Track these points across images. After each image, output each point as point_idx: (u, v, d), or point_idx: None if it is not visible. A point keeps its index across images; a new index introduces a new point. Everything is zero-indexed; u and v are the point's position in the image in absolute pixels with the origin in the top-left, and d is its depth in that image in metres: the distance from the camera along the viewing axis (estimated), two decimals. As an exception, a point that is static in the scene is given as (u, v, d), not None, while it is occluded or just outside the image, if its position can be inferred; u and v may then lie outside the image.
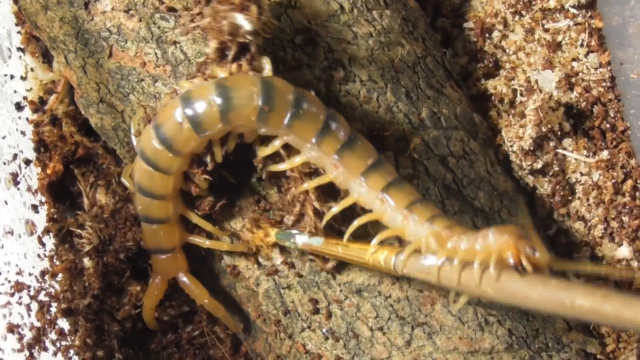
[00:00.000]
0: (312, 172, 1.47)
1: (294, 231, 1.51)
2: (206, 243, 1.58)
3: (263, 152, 1.46)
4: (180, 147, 1.43)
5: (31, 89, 1.86)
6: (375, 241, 1.42)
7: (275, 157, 1.48)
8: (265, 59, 1.43)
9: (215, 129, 1.40)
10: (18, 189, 1.81)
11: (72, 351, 1.71)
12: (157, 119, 1.44)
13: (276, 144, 1.44)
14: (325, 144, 1.40)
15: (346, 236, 1.44)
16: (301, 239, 1.49)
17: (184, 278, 1.62)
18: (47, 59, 1.87)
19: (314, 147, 1.41)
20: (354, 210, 1.46)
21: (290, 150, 1.46)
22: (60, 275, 1.73)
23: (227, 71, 1.42)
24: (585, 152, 1.80)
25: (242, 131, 1.44)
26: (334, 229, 1.49)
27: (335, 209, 1.45)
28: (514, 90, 1.85)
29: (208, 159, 1.47)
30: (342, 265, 1.53)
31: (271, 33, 1.42)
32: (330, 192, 1.48)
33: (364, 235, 1.45)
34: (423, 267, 1.36)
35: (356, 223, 1.43)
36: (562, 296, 1.17)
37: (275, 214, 1.54)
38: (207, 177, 1.49)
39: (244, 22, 1.37)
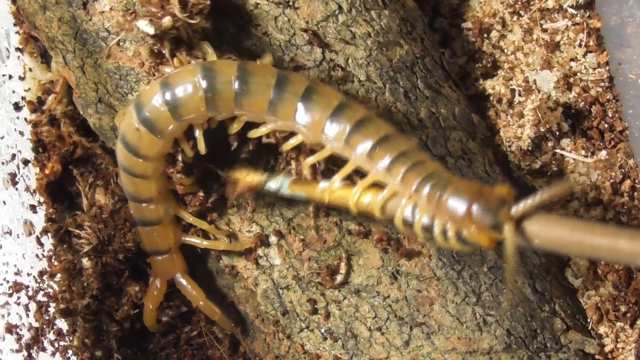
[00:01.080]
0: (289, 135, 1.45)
1: (283, 176, 1.48)
2: (203, 243, 1.58)
3: (231, 130, 1.44)
4: (145, 152, 1.43)
5: (29, 89, 1.86)
6: (357, 188, 1.39)
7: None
8: (204, 44, 1.42)
9: (170, 128, 1.40)
10: (16, 189, 1.81)
11: (70, 351, 1.71)
12: (120, 129, 1.45)
13: (240, 120, 1.41)
14: (281, 110, 1.36)
15: (333, 183, 1.41)
16: (286, 180, 1.47)
17: (180, 279, 1.62)
18: (45, 59, 1.87)
19: (271, 119, 1.38)
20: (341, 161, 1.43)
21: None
22: (58, 275, 1.73)
23: (172, 68, 1.42)
24: (583, 152, 1.80)
25: (199, 122, 1.42)
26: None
27: (312, 158, 1.42)
28: (512, 90, 1.85)
29: (179, 157, 1.48)
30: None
31: (204, 15, 1.41)
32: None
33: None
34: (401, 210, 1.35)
35: (336, 177, 1.41)
36: (581, 237, 1.18)
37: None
38: (181, 175, 1.49)
39: (148, 29, 1.38)
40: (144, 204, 1.51)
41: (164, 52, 1.42)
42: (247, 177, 1.48)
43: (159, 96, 1.37)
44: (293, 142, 1.42)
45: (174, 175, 1.49)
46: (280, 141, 1.45)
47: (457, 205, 1.26)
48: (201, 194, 1.54)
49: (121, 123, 1.45)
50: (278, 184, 1.47)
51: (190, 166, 1.50)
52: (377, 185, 1.38)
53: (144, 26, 1.37)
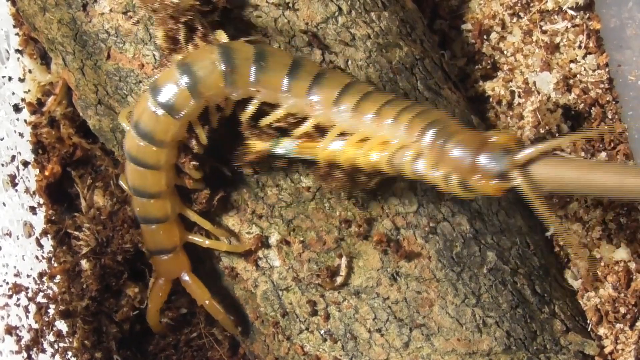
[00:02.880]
0: (299, 121, 1.46)
1: (290, 140, 1.49)
2: (205, 243, 1.58)
3: (244, 115, 1.46)
4: (161, 136, 1.44)
5: (29, 90, 1.86)
6: (365, 146, 1.40)
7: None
8: (218, 31, 1.45)
9: (189, 107, 1.42)
10: (16, 190, 1.81)
11: (70, 353, 1.71)
12: (132, 117, 1.45)
13: (254, 102, 1.44)
14: (295, 87, 1.40)
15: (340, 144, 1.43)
16: (292, 144, 1.48)
17: (186, 277, 1.62)
18: (45, 60, 1.87)
19: (286, 95, 1.41)
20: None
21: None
22: (58, 277, 1.73)
23: (186, 54, 1.44)
24: (583, 154, 1.80)
25: (216, 101, 1.45)
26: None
27: (322, 144, 1.44)
28: (512, 92, 1.85)
29: (193, 142, 1.48)
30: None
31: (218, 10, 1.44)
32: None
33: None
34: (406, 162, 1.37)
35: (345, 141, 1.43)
36: (590, 177, 1.19)
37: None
38: (195, 163, 1.49)
39: None
40: (151, 200, 1.51)
41: (178, 37, 1.44)
42: (255, 147, 1.49)
43: (177, 75, 1.40)
44: (306, 125, 1.44)
45: (186, 165, 1.49)
46: (290, 126, 1.47)
47: (462, 156, 1.27)
48: (207, 191, 1.54)
49: (134, 111, 1.45)
50: (285, 148, 1.49)
51: (201, 159, 1.50)
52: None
53: None
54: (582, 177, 1.21)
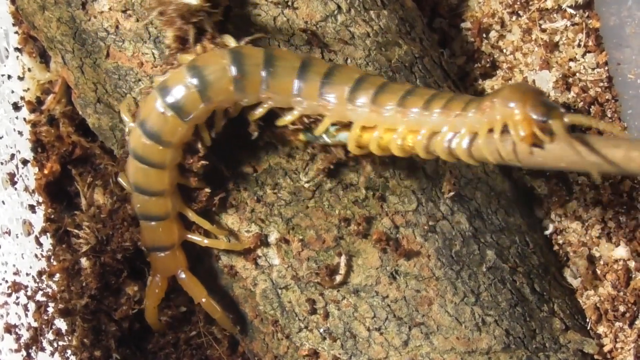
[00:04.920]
0: (314, 121, 1.47)
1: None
2: (204, 241, 1.58)
3: (253, 116, 1.46)
4: (168, 137, 1.44)
5: (28, 89, 1.86)
6: (397, 134, 1.39)
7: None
8: (226, 36, 1.45)
9: (198, 110, 1.42)
10: (15, 189, 1.80)
11: (69, 351, 1.71)
12: (139, 115, 1.45)
13: (265, 106, 1.44)
14: (306, 89, 1.40)
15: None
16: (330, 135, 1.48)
17: (183, 275, 1.62)
18: (44, 59, 1.87)
19: (297, 100, 1.41)
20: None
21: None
22: (57, 275, 1.73)
23: (193, 55, 1.44)
24: (582, 152, 1.80)
25: (225, 106, 1.45)
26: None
27: (345, 135, 1.44)
28: (512, 91, 1.84)
29: (199, 145, 1.48)
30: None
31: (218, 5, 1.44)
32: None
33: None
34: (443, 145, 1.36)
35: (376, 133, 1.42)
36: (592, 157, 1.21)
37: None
38: (204, 162, 1.50)
39: (190, 0, 1.40)
40: (152, 197, 1.51)
41: (187, 38, 1.44)
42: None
43: (187, 78, 1.40)
44: (324, 124, 1.44)
45: (193, 165, 1.50)
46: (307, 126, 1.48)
47: (512, 102, 1.26)
48: (207, 190, 1.55)
49: (141, 109, 1.45)
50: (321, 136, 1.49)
51: (208, 160, 1.51)
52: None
53: None
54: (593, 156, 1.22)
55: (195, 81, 1.40)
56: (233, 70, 1.39)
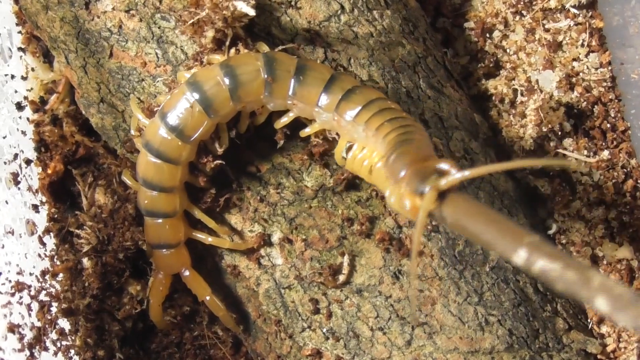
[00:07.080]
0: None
1: None
2: (209, 240, 1.58)
3: (278, 124, 1.49)
4: (190, 132, 1.44)
5: (32, 88, 1.86)
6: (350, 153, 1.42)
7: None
8: (259, 43, 1.48)
9: (226, 109, 1.43)
10: (19, 188, 1.81)
11: (72, 351, 1.71)
12: (163, 108, 1.45)
13: (291, 115, 1.47)
14: (326, 103, 1.41)
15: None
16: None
17: (187, 273, 1.62)
18: (47, 58, 1.87)
19: (319, 110, 1.42)
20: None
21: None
22: (60, 275, 1.73)
23: (222, 56, 1.46)
24: (585, 152, 1.80)
25: (252, 108, 1.47)
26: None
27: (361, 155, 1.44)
28: (515, 90, 1.85)
29: (217, 144, 1.49)
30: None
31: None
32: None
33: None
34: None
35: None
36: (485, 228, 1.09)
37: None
38: (219, 162, 1.51)
39: (247, 9, 1.43)
40: (162, 194, 1.51)
41: (225, 40, 1.47)
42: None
43: (220, 76, 1.41)
44: (340, 144, 1.46)
45: (207, 165, 1.50)
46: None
47: (398, 166, 1.21)
48: (213, 190, 1.55)
49: (167, 101, 1.45)
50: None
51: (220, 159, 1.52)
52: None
53: (244, 6, 1.43)
54: (480, 227, 1.10)
55: (227, 80, 1.41)
56: (265, 73, 1.41)
